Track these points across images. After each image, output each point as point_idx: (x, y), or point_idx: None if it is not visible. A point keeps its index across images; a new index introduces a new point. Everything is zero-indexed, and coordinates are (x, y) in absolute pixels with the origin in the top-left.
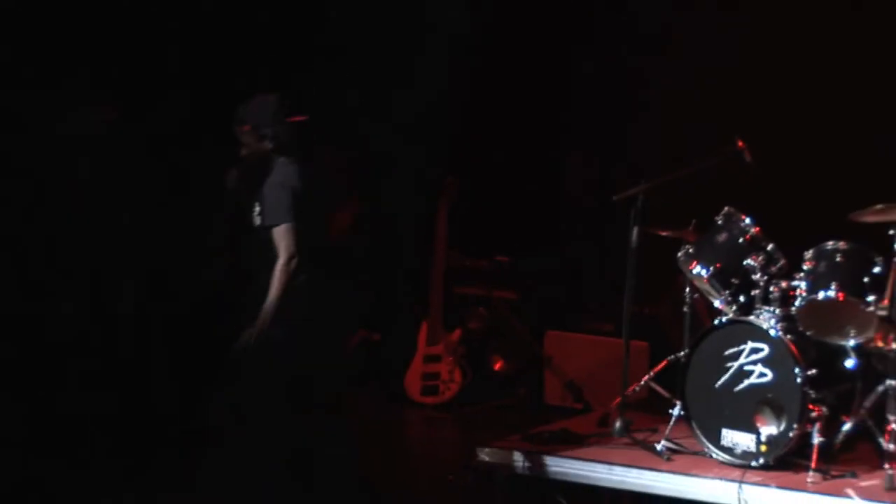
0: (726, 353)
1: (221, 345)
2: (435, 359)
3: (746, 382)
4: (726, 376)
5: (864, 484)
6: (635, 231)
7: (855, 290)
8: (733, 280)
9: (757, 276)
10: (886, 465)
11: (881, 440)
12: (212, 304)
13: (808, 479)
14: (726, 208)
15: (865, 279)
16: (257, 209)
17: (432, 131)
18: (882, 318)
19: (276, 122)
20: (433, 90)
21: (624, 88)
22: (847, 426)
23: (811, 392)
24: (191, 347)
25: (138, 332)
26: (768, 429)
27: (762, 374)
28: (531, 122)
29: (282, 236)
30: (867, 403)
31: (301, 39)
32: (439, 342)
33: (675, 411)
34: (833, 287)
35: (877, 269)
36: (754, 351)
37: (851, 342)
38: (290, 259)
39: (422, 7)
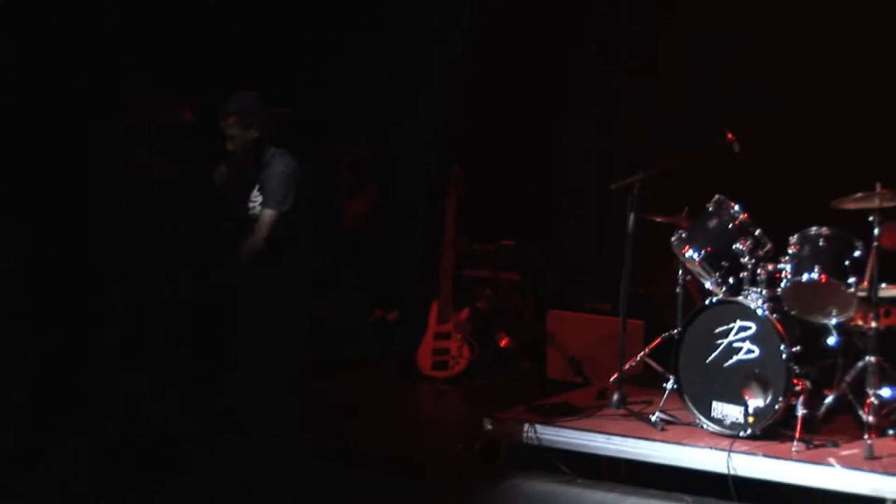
0: (716, 330)
1: (223, 344)
2: (445, 336)
3: (735, 358)
4: (717, 352)
5: (844, 453)
6: (632, 217)
7: (837, 272)
8: (723, 263)
9: (745, 260)
10: (865, 436)
11: (860, 412)
12: (215, 304)
13: (793, 448)
14: (717, 196)
15: (846, 262)
16: (259, 199)
17: (438, 127)
18: (862, 299)
19: (261, 112)
20: (437, 88)
21: (623, 83)
22: (829, 399)
23: (795, 367)
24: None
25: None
26: (755, 401)
27: (750, 351)
28: (532, 115)
29: (267, 220)
30: (848, 378)
31: (308, 38)
32: (449, 321)
33: (669, 385)
34: (816, 270)
35: (857, 253)
36: (743, 329)
37: (833, 321)
38: (262, 239)
39: (428, 7)
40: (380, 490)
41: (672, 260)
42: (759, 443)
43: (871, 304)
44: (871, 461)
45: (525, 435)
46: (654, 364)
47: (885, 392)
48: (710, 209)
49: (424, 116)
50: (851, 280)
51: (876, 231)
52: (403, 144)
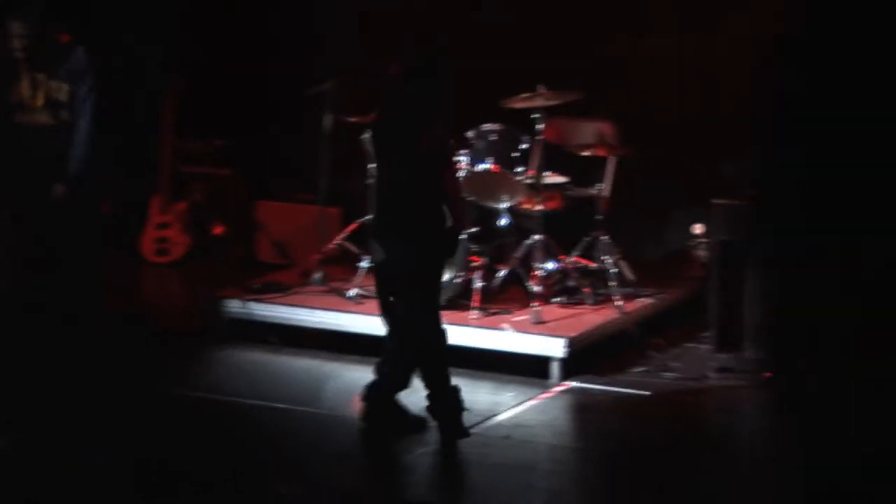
0: None
1: None
2: (165, 226)
3: None
4: None
5: (516, 319)
6: (328, 118)
7: (506, 163)
8: None
9: None
10: (534, 304)
11: (529, 284)
12: None
13: (472, 316)
14: None
15: (515, 154)
16: None
17: (163, 38)
18: (528, 186)
19: None
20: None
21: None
22: (502, 273)
23: (472, 246)
24: None
25: None
26: None
27: None
28: (244, 31)
29: None
30: (517, 255)
31: None
32: (169, 212)
33: (363, 264)
34: (489, 161)
35: (524, 146)
36: None
37: (504, 205)
38: None
39: None
40: (121, 355)
41: (365, 155)
42: (442, 312)
43: (536, 190)
44: (539, 325)
45: (239, 311)
46: (350, 246)
47: (549, 265)
48: None
49: (150, 29)
50: (519, 170)
51: (540, 127)
52: (128, 55)
